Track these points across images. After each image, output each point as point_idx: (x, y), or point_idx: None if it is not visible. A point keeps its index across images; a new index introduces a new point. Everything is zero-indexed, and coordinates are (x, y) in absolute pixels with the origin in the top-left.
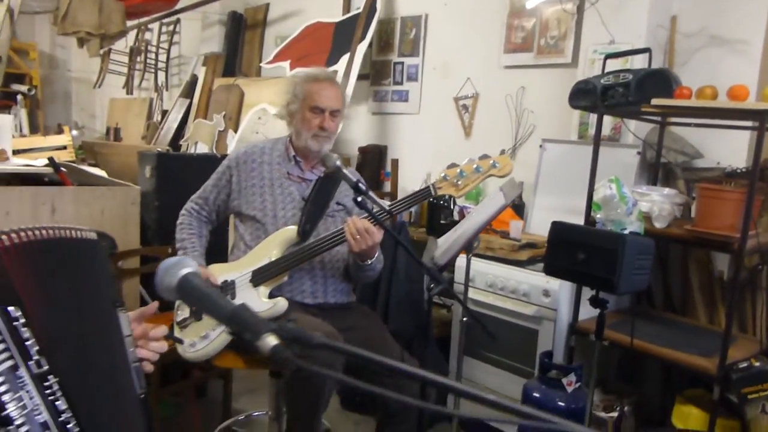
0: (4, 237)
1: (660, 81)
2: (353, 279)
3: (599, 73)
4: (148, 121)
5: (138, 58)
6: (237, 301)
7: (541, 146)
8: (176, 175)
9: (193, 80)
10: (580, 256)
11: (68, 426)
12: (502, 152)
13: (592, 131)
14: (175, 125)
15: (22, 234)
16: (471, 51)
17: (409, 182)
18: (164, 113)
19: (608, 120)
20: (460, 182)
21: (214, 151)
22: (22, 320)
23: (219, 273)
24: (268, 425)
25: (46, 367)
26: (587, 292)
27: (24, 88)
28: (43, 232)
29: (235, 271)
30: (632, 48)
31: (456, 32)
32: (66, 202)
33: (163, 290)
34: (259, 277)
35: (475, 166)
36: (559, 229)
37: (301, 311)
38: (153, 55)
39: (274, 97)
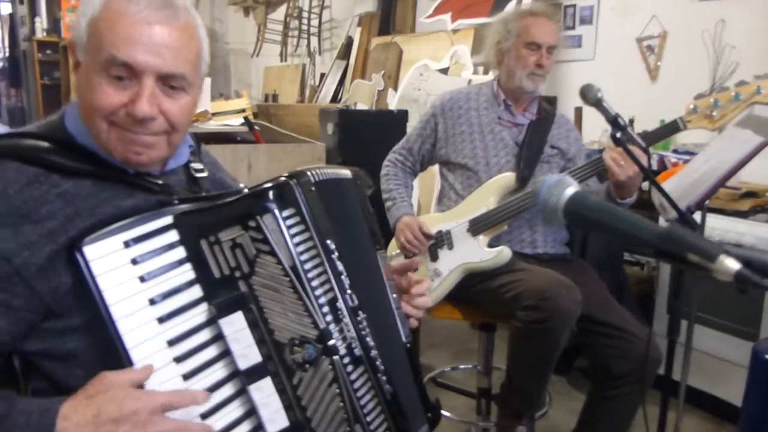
0: (309, 174)
1: None
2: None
3: None
4: (305, 85)
5: (291, 25)
6: (457, 251)
7: None
8: (357, 131)
9: (349, 42)
10: None
11: (376, 363)
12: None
13: None
14: (333, 87)
15: (314, 172)
16: None
17: (587, 134)
18: (321, 76)
19: None
20: (715, 113)
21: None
22: (336, 253)
23: (431, 223)
24: (477, 380)
25: (357, 302)
26: None
27: None
28: (323, 170)
29: (450, 220)
30: None
31: None
32: (260, 158)
33: (548, 213)
34: (477, 226)
35: (733, 93)
36: None
37: (521, 261)
38: (305, 21)
39: (434, 53)
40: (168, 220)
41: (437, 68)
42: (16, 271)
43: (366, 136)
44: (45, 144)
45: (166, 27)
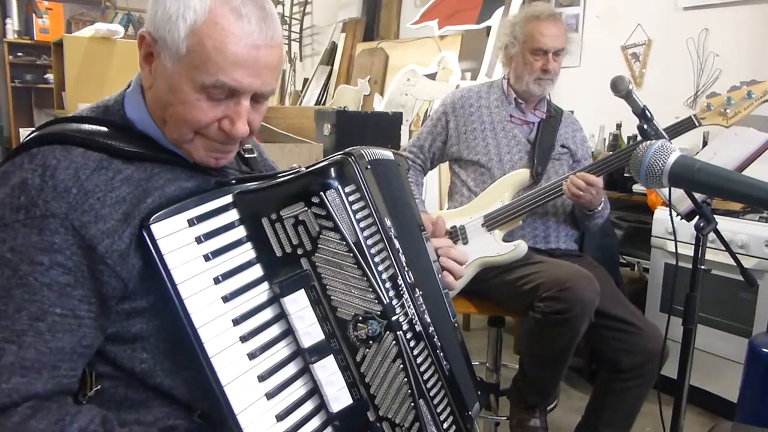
0: (362, 152)
1: None
2: (581, 227)
3: None
4: (285, 91)
5: None
6: (472, 246)
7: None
8: (354, 132)
9: (332, 47)
10: None
11: (434, 339)
12: None
13: None
14: (317, 92)
15: (366, 151)
16: None
17: None
18: (304, 81)
19: None
20: (728, 110)
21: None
22: (393, 231)
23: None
24: (486, 376)
25: (413, 279)
26: None
27: None
28: (372, 150)
29: (463, 216)
30: None
31: None
32: None
33: (651, 178)
34: (492, 222)
35: (746, 91)
36: None
37: (536, 255)
38: (287, 28)
39: (421, 58)
40: (228, 199)
41: (425, 73)
42: (102, 258)
43: (362, 136)
44: (105, 129)
45: (269, 49)
